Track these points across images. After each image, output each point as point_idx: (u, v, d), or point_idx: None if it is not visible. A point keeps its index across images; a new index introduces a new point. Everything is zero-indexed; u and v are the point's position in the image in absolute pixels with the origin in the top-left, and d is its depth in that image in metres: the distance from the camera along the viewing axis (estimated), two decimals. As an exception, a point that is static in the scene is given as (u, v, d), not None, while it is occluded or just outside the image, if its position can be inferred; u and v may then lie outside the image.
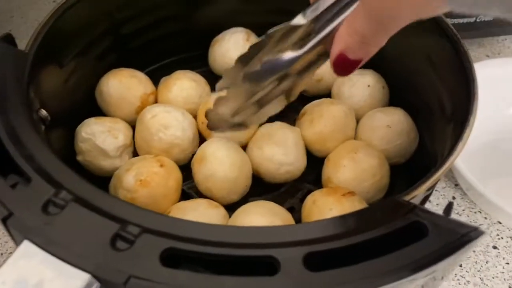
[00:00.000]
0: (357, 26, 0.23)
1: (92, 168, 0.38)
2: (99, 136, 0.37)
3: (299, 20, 0.26)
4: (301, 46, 0.27)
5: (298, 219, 0.36)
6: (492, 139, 0.48)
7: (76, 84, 0.39)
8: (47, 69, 0.35)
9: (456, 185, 0.45)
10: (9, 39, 0.32)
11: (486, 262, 0.40)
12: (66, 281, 0.20)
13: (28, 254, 0.21)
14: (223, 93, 0.30)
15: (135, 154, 0.40)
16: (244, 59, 0.29)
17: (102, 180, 0.38)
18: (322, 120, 0.39)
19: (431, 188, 0.30)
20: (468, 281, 0.39)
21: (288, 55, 0.27)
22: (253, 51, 0.28)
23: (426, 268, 0.21)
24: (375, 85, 0.42)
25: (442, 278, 0.32)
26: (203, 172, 0.36)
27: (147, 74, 0.44)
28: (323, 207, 0.33)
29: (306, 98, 0.45)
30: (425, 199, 0.32)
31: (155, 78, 0.45)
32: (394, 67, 0.43)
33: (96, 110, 0.42)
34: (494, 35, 0.58)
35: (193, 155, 0.39)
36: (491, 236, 0.41)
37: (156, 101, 0.43)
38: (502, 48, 0.58)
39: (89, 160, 0.38)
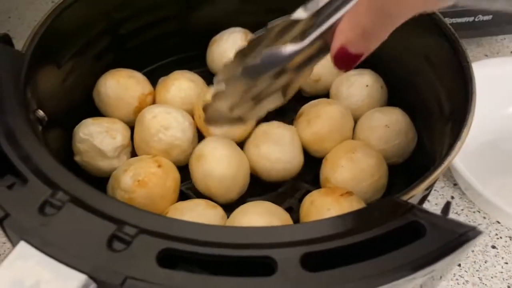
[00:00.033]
0: (359, 19, 0.23)
1: (90, 169, 0.38)
2: (97, 137, 0.37)
3: (300, 14, 0.26)
4: (301, 40, 0.26)
5: (296, 219, 0.36)
6: (491, 139, 0.48)
7: (74, 85, 0.39)
8: (44, 70, 0.35)
9: (455, 184, 0.45)
10: (6, 40, 0.32)
11: (485, 262, 0.40)
12: (62, 282, 0.20)
13: (25, 255, 0.21)
14: (222, 87, 0.30)
15: (133, 154, 0.40)
16: (243, 53, 0.28)
17: (100, 180, 0.38)
18: (319, 121, 0.39)
19: (429, 187, 0.30)
20: (467, 281, 0.39)
21: (289, 48, 0.27)
22: (252, 44, 0.28)
23: (424, 268, 0.21)
24: (373, 85, 0.42)
25: (441, 277, 0.32)
26: (201, 171, 0.36)
27: (145, 74, 0.44)
28: (321, 207, 0.33)
29: (304, 98, 0.45)
30: (424, 198, 0.32)
31: (153, 78, 0.44)
32: (392, 66, 0.42)
33: (94, 110, 0.42)
34: (493, 34, 0.58)
35: (192, 156, 0.39)
36: (490, 236, 0.41)
37: (154, 102, 0.43)
38: (501, 48, 0.58)
39: (87, 160, 0.38)
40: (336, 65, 0.25)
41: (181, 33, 0.48)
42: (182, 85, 0.42)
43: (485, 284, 0.39)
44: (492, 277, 0.39)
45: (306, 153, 0.41)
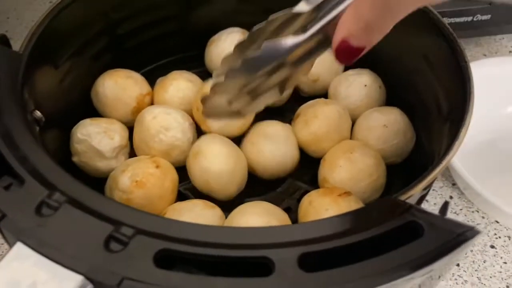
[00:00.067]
0: (362, 11, 0.22)
1: (88, 169, 0.38)
2: (95, 137, 0.37)
3: (302, 7, 0.25)
4: (303, 32, 0.26)
5: (294, 220, 0.36)
6: (489, 138, 0.48)
7: (72, 85, 0.39)
8: (42, 70, 0.35)
9: (454, 184, 0.45)
10: (3, 40, 0.32)
11: (484, 262, 0.40)
12: (59, 283, 0.20)
13: (21, 256, 0.21)
14: (221, 79, 0.29)
15: (131, 155, 0.40)
16: (243, 46, 0.28)
17: (98, 181, 0.37)
18: (316, 121, 0.39)
19: (428, 187, 0.30)
20: (465, 281, 0.39)
21: (289, 40, 0.26)
22: (253, 37, 0.28)
23: (422, 268, 0.21)
24: (371, 85, 0.42)
25: (439, 277, 0.32)
26: (199, 167, 0.36)
27: (144, 74, 0.44)
28: (319, 207, 0.33)
29: (303, 98, 0.45)
30: (422, 198, 0.32)
31: (152, 78, 0.44)
32: (391, 66, 0.42)
33: (92, 111, 0.42)
34: (491, 34, 0.58)
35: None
36: (488, 236, 0.41)
37: (152, 102, 0.43)
38: (499, 47, 0.58)
39: (84, 161, 0.37)
40: (337, 59, 0.25)
41: (179, 33, 0.47)
42: (180, 85, 0.42)
43: (484, 284, 0.38)
44: (491, 277, 0.39)
45: (305, 153, 0.41)
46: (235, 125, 0.39)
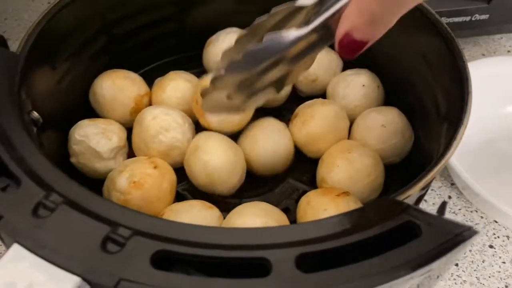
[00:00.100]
0: (366, 4, 0.22)
1: (86, 170, 0.38)
2: (93, 138, 0.37)
3: (305, 0, 0.25)
4: (306, 25, 0.25)
5: (293, 220, 0.36)
6: (488, 138, 0.48)
7: (69, 86, 0.39)
8: (39, 71, 0.35)
9: (452, 184, 0.45)
10: (1, 41, 0.32)
11: (483, 261, 0.40)
12: (56, 285, 0.20)
13: (18, 257, 0.21)
14: (221, 72, 0.29)
15: (129, 155, 0.40)
16: (244, 39, 0.28)
17: (96, 182, 0.37)
18: (313, 121, 0.39)
19: (426, 187, 0.29)
20: (464, 281, 0.39)
21: (292, 33, 0.25)
22: (254, 31, 0.27)
23: (419, 269, 0.21)
24: (370, 85, 0.42)
25: (438, 277, 0.32)
26: (199, 162, 0.36)
27: (142, 75, 0.44)
28: (317, 207, 0.33)
29: (301, 98, 0.45)
30: (420, 198, 0.32)
31: (150, 79, 0.44)
32: (389, 66, 0.42)
33: (90, 111, 0.42)
34: (490, 33, 0.58)
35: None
36: (487, 235, 0.41)
37: (150, 103, 0.43)
38: (498, 47, 0.58)
39: (82, 162, 0.37)
40: (340, 52, 0.25)
41: (177, 33, 0.47)
42: (178, 85, 0.42)
43: (483, 284, 0.38)
44: (489, 277, 0.39)
45: (303, 154, 0.41)
46: (234, 120, 0.39)
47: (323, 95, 0.44)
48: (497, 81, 0.49)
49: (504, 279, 0.39)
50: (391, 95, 0.43)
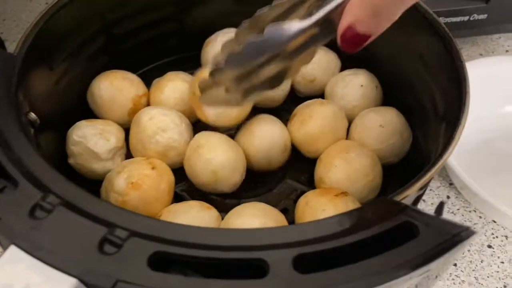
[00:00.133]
0: None
1: (84, 171, 0.38)
2: (91, 139, 0.37)
3: None
4: (308, 17, 0.25)
5: (291, 220, 0.36)
6: (486, 138, 0.48)
7: (67, 86, 0.39)
8: (37, 72, 0.35)
9: (451, 184, 0.45)
10: (-2, 42, 0.32)
11: (481, 261, 0.40)
12: (53, 286, 0.20)
13: (15, 259, 0.21)
14: (220, 64, 0.28)
15: (127, 156, 0.40)
16: (244, 31, 0.27)
17: (94, 183, 0.37)
18: (311, 121, 0.39)
19: (424, 187, 0.29)
20: (463, 281, 0.39)
21: (295, 25, 0.25)
22: (255, 23, 0.26)
23: (417, 269, 0.21)
24: (368, 85, 0.42)
25: (436, 277, 0.32)
26: (202, 160, 0.36)
27: (140, 76, 0.44)
28: (316, 208, 0.33)
29: (299, 98, 0.45)
30: (418, 198, 0.32)
31: (149, 79, 0.44)
32: (387, 66, 0.42)
33: (88, 112, 0.42)
34: (488, 33, 0.58)
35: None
36: (486, 235, 0.41)
37: (148, 103, 0.43)
38: (496, 47, 0.58)
39: (80, 163, 0.37)
40: (342, 46, 0.24)
41: (176, 34, 0.47)
42: (176, 86, 0.42)
43: (481, 284, 0.38)
44: (488, 277, 0.39)
45: (301, 154, 0.41)
46: (232, 114, 0.39)
47: (321, 95, 0.44)
48: (495, 80, 0.49)
49: (503, 279, 0.39)
50: (389, 95, 0.43)
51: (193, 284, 0.20)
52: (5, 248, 0.21)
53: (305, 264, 0.21)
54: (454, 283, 0.39)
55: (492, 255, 0.40)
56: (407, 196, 0.26)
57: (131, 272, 0.20)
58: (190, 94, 0.40)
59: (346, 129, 0.41)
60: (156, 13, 0.45)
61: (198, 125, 0.42)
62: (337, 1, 0.24)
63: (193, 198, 0.38)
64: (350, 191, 0.34)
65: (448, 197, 0.44)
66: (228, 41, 0.28)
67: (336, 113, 0.40)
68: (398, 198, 0.26)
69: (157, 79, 0.44)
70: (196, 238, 0.21)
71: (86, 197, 0.23)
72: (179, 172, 0.38)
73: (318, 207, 0.33)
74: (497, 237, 0.41)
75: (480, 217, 0.43)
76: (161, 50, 0.48)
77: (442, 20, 0.36)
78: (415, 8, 0.36)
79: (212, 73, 0.29)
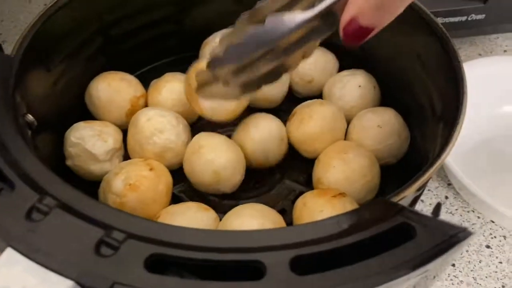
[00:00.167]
0: None
1: (82, 173, 0.38)
2: (89, 140, 0.37)
3: None
4: (311, 9, 0.24)
5: (289, 221, 0.36)
6: (485, 138, 0.48)
7: (65, 88, 0.39)
8: (34, 73, 0.35)
9: (449, 184, 0.45)
10: (-5, 44, 0.32)
11: (479, 262, 0.40)
12: (49, 289, 0.20)
13: (11, 261, 0.20)
14: (219, 54, 0.27)
15: (125, 158, 0.40)
16: (244, 23, 0.26)
17: (92, 184, 0.37)
18: (311, 121, 0.39)
19: (421, 188, 0.29)
20: (461, 281, 0.39)
21: (297, 16, 0.24)
22: (255, 15, 0.26)
23: (414, 270, 0.20)
24: (366, 86, 0.42)
25: (434, 277, 0.32)
26: (203, 160, 0.36)
27: (138, 77, 0.44)
28: (313, 208, 0.33)
29: (297, 99, 0.45)
30: (416, 199, 0.32)
31: (147, 80, 0.44)
32: (385, 67, 0.42)
33: (86, 113, 0.42)
34: (486, 33, 0.58)
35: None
36: (484, 236, 0.41)
37: (146, 104, 0.43)
38: (494, 47, 0.58)
39: (78, 164, 0.37)
40: (345, 39, 0.24)
41: (174, 35, 0.47)
42: (174, 87, 0.42)
43: (480, 284, 0.38)
44: (486, 277, 0.39)
45: (300, 154, 0.41)
46: (228, 108, 0.39)
47: (319, 96, 0.44)
48: (493, 80, 0.49)
49: (501, 279, 0.39)
50: (387, 95, 0.43)
51: (190, 286, 0.20)
52: (1, 251, 0.21)
53: (302, 265, 0.21)
54: (452, 284, 0.39)
55: (490, 255, 0.40)
56: (404, 197, 0.26)
57: (128, 274, 0.20)
58: (185, 85, 0.39)
59: (345, 130, 0.41)
60: (154, 13, 0.45)
61: (195, 126, 0.42)
62: None
63: (192, 199, 0.38)
64: (348, 192, 0.34)
65: (446, 197, 0.44)
66: (227, 32, 0.27)
67: (336, 113, 0.40)
68: (395, 199, 0.26)
69: (155, 80, 0.44)
70: (193, 240, 0.21)
71: (83, 199, 0.23)
72: (177, 173, 0.38)
73: (316, 208, 0.33)
74: (495, 237, 0.41)
75: (479, 217, 0.43)
76: (159, 51, 0.48)
77: (440, 20, 0.36)
78: (412, 8, 0.36)
79: (209, 65, 0.28)
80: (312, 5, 0.24)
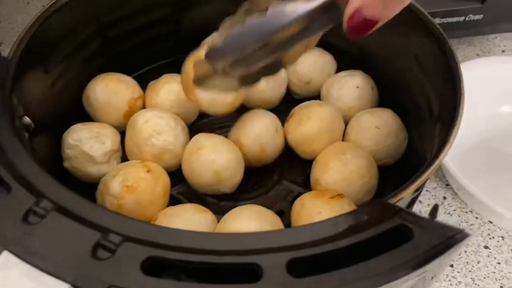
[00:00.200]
0: None
1: (80, 175, 0.38)
2: (86, 142, 0.37)
3: None
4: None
5: (288, 223, 0.36)
6: (483, 138, 0.48)
7: (62, 90, 0.39)
8: (32, 75, 0.34)
9: (447, 185, 0.45)
10: (-9, 46, 0.32)
11: (478, 262, 0.40)
12: (46, 292, 0.20)
13: (8, 265, 0.20)
14: (218, 43, 0.27)
15: (123, 159, 0.40)
16: (244, 14, 0.26)
17: (90, 186, 0.37)
18: (309, 122, 0.39)
19: (419, 189, 0.29)
20: (459, 282, 0.39)
21: (299, 7, 0.24)
22: (256, 5, 0.25)
23: (411, 272, 0.20)
24: (364, 86, 0.42)
25: (432, 278, 0.32)
26: (204, 161, 0.36)
27: (136, 78, 0.44)
28: (311, 210, 0.33)
29: (295, 100, 0.45)
30: (413, 200, 0.32)
31: (144, 82, 0.44)
32: (382, 67, 0.42)
33: (83, 115, 0.42)
34: (484, 33, 0.58)
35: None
36: (482, 236, 0.41)
37: (144, 106, 0.43)
38: (492, 47, 0.58)
39: (76, 166, 0.37)
40: (348, 31, 0.23)
41: (172, 36, 0.47)
42: (172, 88, 0.42)
43: (478, 285, 0.38)
44: (484, 278, 0.39)
45: (298, 156, 0.41)
46: (226, 101, 0.39)
47: (317, 97, 0.44)
48: (491, 81, 0.49)
49: (499, 279, 0.39)
50: (385, 96, 0.43)
51: (187, 289, 0.20)
52: (-2, 254, 0.21)
53: (299, 268, 0.21)
54: (450, 284, 0.39)
55: (488, 256, 0.40)
56: (402, 198, 0.26)
57: (125, 278, 0.20)
58: (182, 75, 0.38)
59: (343, 131, 0.41)
60: (152, 14, 0.45)
61: (193, 127, 0.42)
62: None
63: (189, 200, 0.38)
64: (346, 193, 0.34)
65: (444, 198, 0.44)
66: (227, 22, 0.26)
67: (334, 114, 0.40)
68: (392, 200, 0.26)
69: (152, 82, 0.44)
70: (190, 242, 0.21)
71: (80, 201, 0.23)
72: (175, 174, 0.38)
73: (314, 210, 0.33)
74: (493, 237, 0.41)
75: (477, 217, 0.43)
76: (157, 52, 0.48)
77: (438, 20, 0.36)
78: (409, 9, 0.36)
79: (208, 55, 0.27)
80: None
